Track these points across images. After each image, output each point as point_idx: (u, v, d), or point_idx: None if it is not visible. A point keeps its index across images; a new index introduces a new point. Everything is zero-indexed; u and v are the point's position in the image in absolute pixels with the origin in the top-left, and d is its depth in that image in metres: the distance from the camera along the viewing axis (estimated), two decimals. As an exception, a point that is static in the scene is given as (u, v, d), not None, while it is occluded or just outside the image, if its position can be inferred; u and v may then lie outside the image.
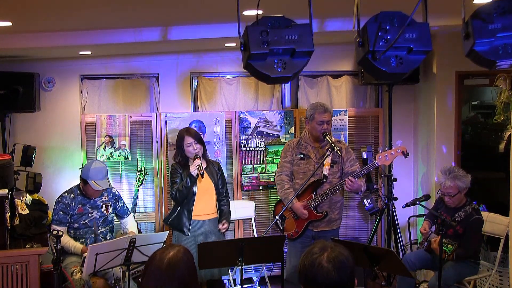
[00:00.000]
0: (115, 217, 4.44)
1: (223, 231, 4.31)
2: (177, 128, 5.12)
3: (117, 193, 4.43)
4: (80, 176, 4.20)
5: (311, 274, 1.89)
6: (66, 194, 4.21)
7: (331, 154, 3.99)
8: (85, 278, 3.83)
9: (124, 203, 4.47)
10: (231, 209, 4.43)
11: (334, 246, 1.94)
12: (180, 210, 4.18)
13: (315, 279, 1.88)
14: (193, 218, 4.16)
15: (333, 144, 3.93)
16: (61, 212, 4.13)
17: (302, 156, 4.17)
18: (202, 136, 4.37)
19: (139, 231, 4.77)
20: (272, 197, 5.38)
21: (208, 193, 4.24)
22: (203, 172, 4.09)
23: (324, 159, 4.00)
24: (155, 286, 2.01)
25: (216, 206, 4.29)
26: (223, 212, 4.32)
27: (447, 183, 4.21)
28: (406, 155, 4.09)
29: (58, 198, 4.21)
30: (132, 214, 4.56)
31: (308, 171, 4.11)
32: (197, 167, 4.05)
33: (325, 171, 4.09)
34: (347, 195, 5.45)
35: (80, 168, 4.36)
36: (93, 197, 4.23)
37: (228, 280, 4.82)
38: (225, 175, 4.55)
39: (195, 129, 4.68)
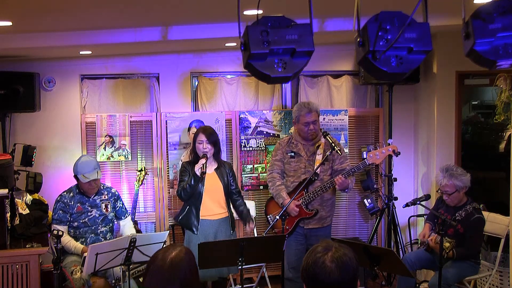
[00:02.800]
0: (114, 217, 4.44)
1: (251, 231, 4.44)
2: (177, 128, 5.13)
3: (116, 193, 4.42)
4: (74, 175, 4.21)
5: (314, 273, 1.89)
6: (65, 193, 4.22)
7: (330, 154, 4.01)
8: (85, 278, 3.83)
9: (123, 204, 4.46)
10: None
11: (339, 247, 1.94)
12: (189, 209, 4.17)
13: (317, 278, 1.88)
14: (202, 217, 4.14)
15: (333, 144, 3.95)
16: (60, 211, 4.14)
17: (293, 154, 4.22)
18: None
19: (139, 231, 4.77)
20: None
21: (216, 193, 4.20)
22: (205, 171, 4.08)
23: (318, 158, 4.03)
24: (157, 286, 2.00)
25: (227, 206, 4.26)
26: (243, 214, 4.31)
27: (444, 181, 4.23)
28: (397, 154, 4.10)
29: (57, 197, 4.22)
30: (129, 216, 4.54)
31: (299, 169, 4.16)
32: (201, 166, 4.04)
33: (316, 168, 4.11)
34: (348, 195, 5.45)
35: None
36: (91, 194, 4.23)
37: (228, 279, 4.81)
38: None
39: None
